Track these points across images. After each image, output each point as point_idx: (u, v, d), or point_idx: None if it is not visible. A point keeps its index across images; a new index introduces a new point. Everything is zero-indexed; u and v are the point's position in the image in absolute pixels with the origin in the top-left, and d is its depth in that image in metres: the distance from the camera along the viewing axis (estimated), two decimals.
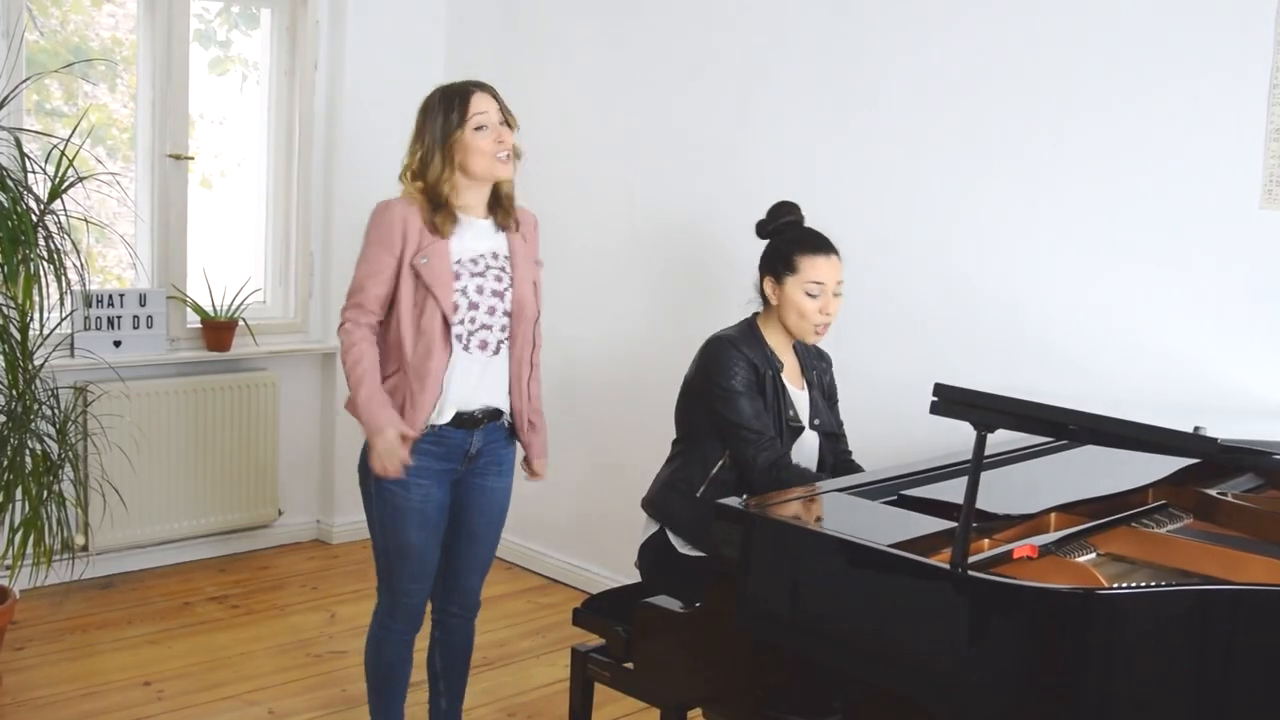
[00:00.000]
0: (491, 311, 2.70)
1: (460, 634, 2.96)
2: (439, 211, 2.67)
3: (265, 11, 4.66)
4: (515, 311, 2.74)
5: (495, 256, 2.73)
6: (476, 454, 2.77)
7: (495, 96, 2.72)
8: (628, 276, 4.26)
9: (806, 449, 2.79)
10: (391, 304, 2.68)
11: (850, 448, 2.91)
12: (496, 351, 2.73)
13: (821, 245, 2.78)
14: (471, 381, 2.70)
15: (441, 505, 2.76)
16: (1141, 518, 2.27)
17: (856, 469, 2.82)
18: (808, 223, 2.86)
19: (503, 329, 2.73)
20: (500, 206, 2.76)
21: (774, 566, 2.13)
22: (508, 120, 2.71)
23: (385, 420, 2.61)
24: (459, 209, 2.70)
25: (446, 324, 2.64)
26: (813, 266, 2.74)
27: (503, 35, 4.69)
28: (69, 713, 3.28)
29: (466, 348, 2.68)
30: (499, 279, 2.72)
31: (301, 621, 4.01)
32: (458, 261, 2.67)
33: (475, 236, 2.72)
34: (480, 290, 2.69)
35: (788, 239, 2.80)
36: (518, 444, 2.89)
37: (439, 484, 2.74)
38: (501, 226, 2.77)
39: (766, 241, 2.85)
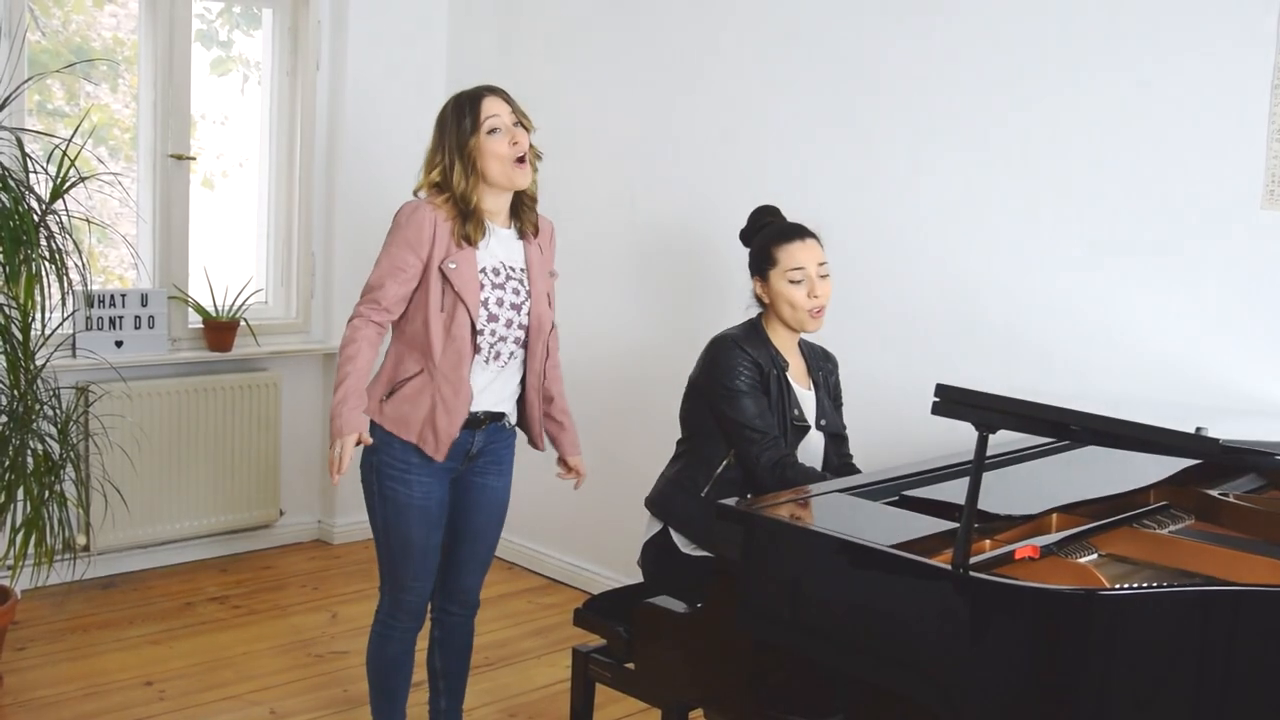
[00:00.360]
0: (509, 324, 2.70)
1: (460, 633, 2.97)
2: (469, 220, 2.65)
3: (267, 12, 4.66)
4: (533, 326, 2.74)
5: (514, 270, 2.73)
6: (477, 453, 2.78)
7: (507, 99, 2.71)
8: (629, 276, 4.26)
9: (811, 449, 2.79)
10: (414, 305, 2.67)
11: (852, 451, 2.91)
12: (506, 363, 2.74)
13: (794, 232, 2.79)
14: (479, 385, 2.71)
15: (442, 502, 2.77)
16: (1143, 518, 2.27)
17: (856, 474, 2.81)
18: (808, 223, 2.86)
19: (515, 341, 2.73)
20: (522, 212, 2.76)
21: (775, 567, 2.13)
22: (522, 122, 2.70)
23: (355, 425, 2.61)
24: (486, 214, 2.70)
25: (474, 330, 2.64)
26: (789, 254, 2.75)
27: (504, 36, 4.68)
28: (70, 713, 3.28)
29: (484, 357, 2.69)
30: (517, 292, 2.72)
31: (303, 622, 4.01)
32: (481, 270, 2.67)
33: (499, 244, 2.73)
34: (500, 303, 2.68)
35: (764, 236, 2.82)
36: (527, 445, 2.90)
37: (440, 481, 2.75)
38: (522, 233, 2.77)
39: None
